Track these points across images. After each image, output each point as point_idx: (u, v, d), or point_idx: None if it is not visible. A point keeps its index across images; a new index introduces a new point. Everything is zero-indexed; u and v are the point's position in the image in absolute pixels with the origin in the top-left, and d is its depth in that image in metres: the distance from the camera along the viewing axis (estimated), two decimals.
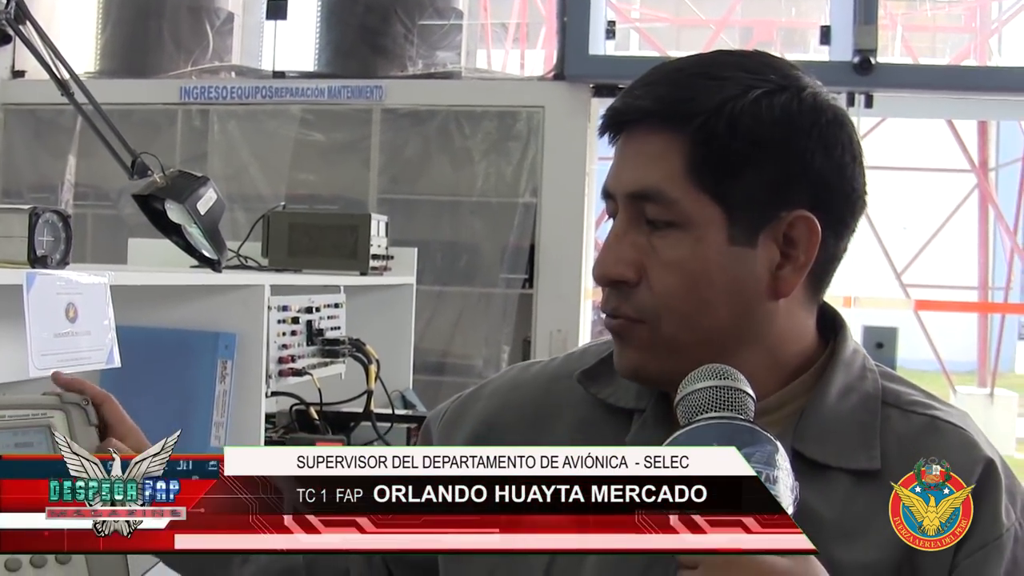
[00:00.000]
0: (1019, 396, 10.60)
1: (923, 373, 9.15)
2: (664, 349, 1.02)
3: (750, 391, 0.87)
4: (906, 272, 10.59)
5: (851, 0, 5.69)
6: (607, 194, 1.06)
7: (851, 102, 5.64)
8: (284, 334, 2.63)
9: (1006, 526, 0.97)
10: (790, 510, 0.77)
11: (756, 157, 0.99)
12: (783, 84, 1.01)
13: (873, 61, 5.58)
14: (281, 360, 2.59)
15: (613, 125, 1.05)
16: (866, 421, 1.02)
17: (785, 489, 0.79)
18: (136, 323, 2.17)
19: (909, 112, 6.78)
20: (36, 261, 1.73)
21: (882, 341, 6.52)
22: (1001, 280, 10.80)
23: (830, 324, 1.09)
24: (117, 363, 1.78)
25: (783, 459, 0.81)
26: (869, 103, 5.74)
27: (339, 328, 2.92)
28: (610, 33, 6.04)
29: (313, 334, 2.76)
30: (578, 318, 5.66)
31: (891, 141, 10.64)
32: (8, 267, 1.69)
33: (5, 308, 1.67)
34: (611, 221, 1.07)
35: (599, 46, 5.88)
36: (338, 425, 2.93)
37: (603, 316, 1.06)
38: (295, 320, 2.68)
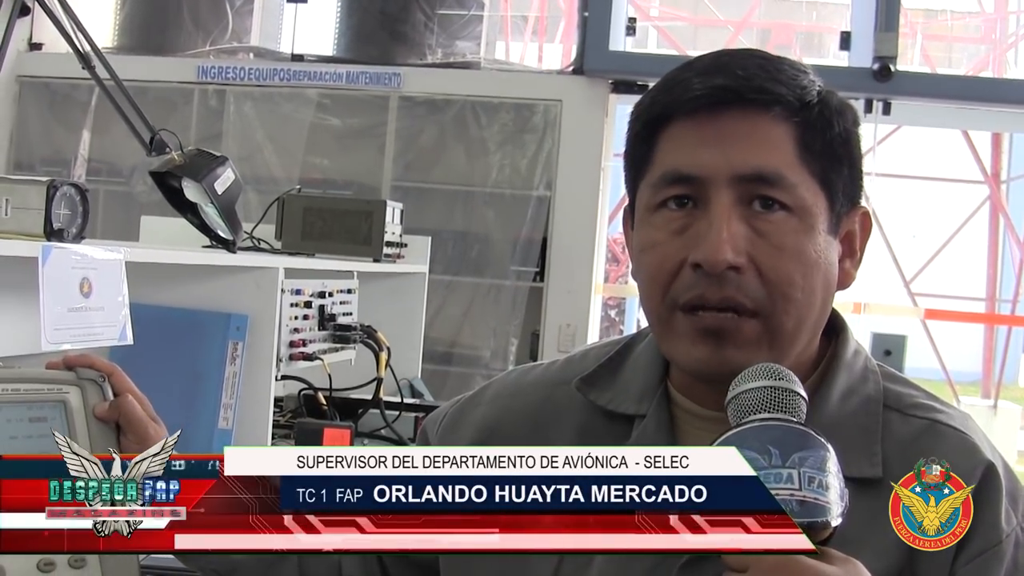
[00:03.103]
0: (1022, 409, 10.59)
1: (928, 382, 9.06)
2: (767, 344, 0.99)
3: (803, 393, 0.86)
4: (915, 281, 10.58)
5: (872, 7, 5.67)
6: (686, 178, 1.00)
7: (869, 108, 5.63)
8: (296, 318, 2.62)
9: (1006, 531, 0.96)
10: (836, 521, 0.77)
11: (847, 150, 1.02)
12: (829, 87, 1.05)
13: (892, 68, 5.56)
14: (292, 344, 2.58)
15: (709, 104, 1.00)
16: (867, 426, 1.01)
17: (836, 496, 0.78)
18: (148, 301, 2.17)
19: (925, 121, 6.76)
20: (52, 234, 1.73)
21: (890, 348, 6.51)
22: (1009, 292, 10.78)
23: (831, 324, 1.08)
24: (129, 340, 1.77)
25: (834, 464, 0.79)
26: (887, 110, 5.72)
27: (351, 314, 2.91)
28: (630, 30, 6.02)
29: (325, 319, 2.75)
30: (587, 313, 5.65)
31: (905, 149, 10.61)
32: (24, 239, 1.68)
33: (20, 280, 1.66)
34: (661, 212, 1.01)
35: (619, 42, 5.87)
36: (346, 411, 2.92)
37: (685, 312, 1.00)
38: (308, 304, 2.67)
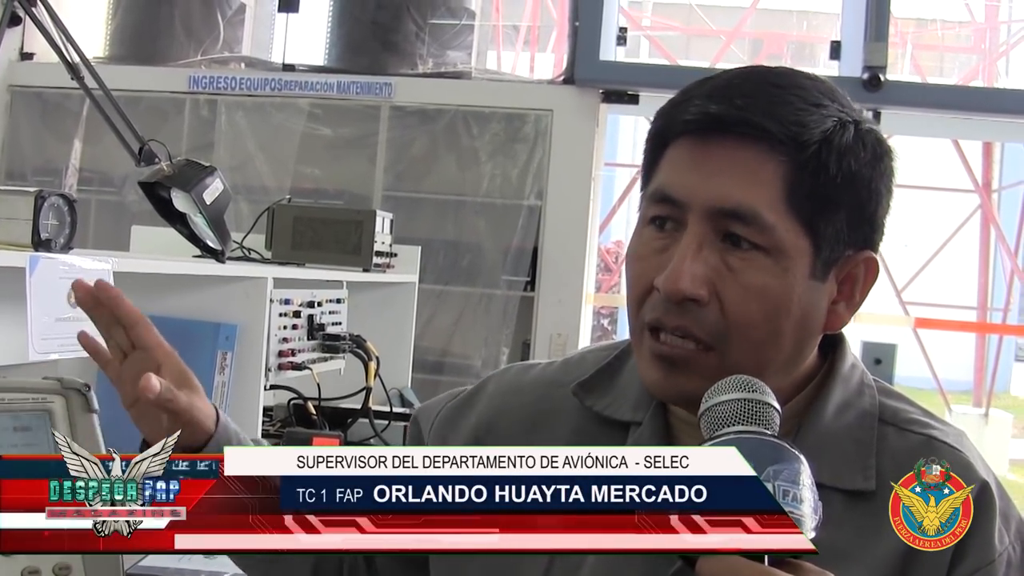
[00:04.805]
0: (1014, 417, 10.62)
1: (919, 391, 9.15)
2: (723, 376, 0.95)
3: (776, 405, 0.85)
4: (906, 290, 10.60)
5: (862, 17, 5.69)
6: (670, 199, 0.99)
7: None
8: (285, 327, 2.62)
9: (999, 551, 0.96)
10: (810, 535, 0.76)
11: (848, 194, 0.98)
12: (857, 119, 1.01)
13: (882, 78, 5.58)
14: (281, 353, 2.58)
15: (700, 130, 0.98)
16: (862, 439, 1.01)
17: (809, 510, 0.77)
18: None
19: (916, 130, 6.77)
20: (40, 244, 1.73)
21: (881, 357, 6.52)
22: (1000, 301, 10.81)
23: (828, 337, 1.06)
24: None
25: (808, 477, 0.79)
26: (877, 119, 5.74)
27: (340, 324, 2.91)
28: (621, 39, 6.03)
29: (314, 329, 2.75)
30: (578, 322, 5.65)
31: (896, 159, 10.64)
32: (12, 249, 1.68)
33: (7, 290, 1.66)
34: (649, 228, 1.01)
35: (610, 52, 5.88)
36: (335, 421, 2.92)
37: (650, 333, 1.00)
38: (296, 314, 2.67)
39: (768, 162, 0.96)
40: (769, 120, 0.96)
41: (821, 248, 0.98)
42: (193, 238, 2.49)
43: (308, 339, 2.73)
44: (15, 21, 2.36)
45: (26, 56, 6.17)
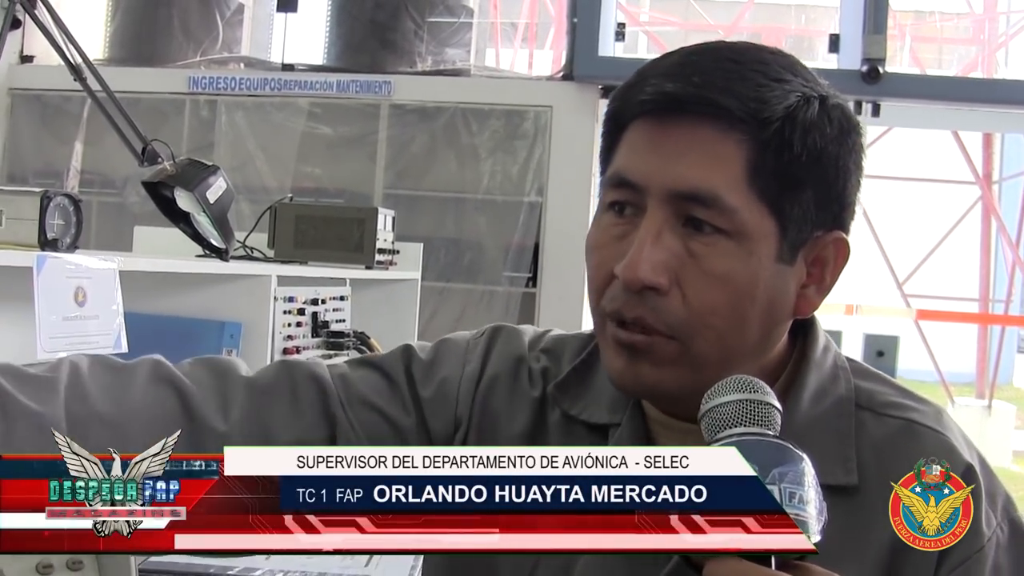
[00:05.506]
0: (1017, 408, 10.61)
1: (922, 383, 9.15)
2: (688, 366, 0.94)
3: (777, 404, 0.82)
4: (908, 282, 10.60)
5: (861, 9, 5.70)
6: (628, 183, 0.95)
7: (858, 110, 5.64)
8: (289, 325, 2.63)
9: (987, 535, 0.94)
10: (816, 537, 0.74)
11: (814, 172, 0.93)
12: (823, 93, 0.95)
13: (881, 70, 5.59)
14: (286, 351, 2.60)
15: (657, 111, 0.93)
16: (840, 429, 0.98)
17: (815, 511, 0.75)
18: (142, 310, 2.18)
19: (915, 122, 6.78)
20: (46, 244, 1.74)
21: (883, 349, 6.52)
22: (1002, 293, 10.82)
23: (798, 321, 1.02)
24: (124, 348, 1.78)
25: (812, 477, 0.77)
26: (876, 112, 5.74)
27: (344, 321, 2.92)
28: (619, 35, 6.04)
29: (318, 326, 2.76)
30: (580, 318, 5.66)
31: (896, 151, 10.64)
32: (18, 249, 1.69)
33: (15, 290, 1.67)
34: (608, 214, 0.97)
35: (608, 47, 5.89)
36: None
37: (612, 323, 0.96)
38: (300, 311, 2.69)
39: (728, 141, 0.91)
40: (728, 97, 0.91)
41: (787, 230, 0.94)
42: (197, 237, 2.50)
43: (312, 336, 2.74)
44: (15, 24, 2.37)
45: (26, 59, 6.18)
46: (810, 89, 0.94)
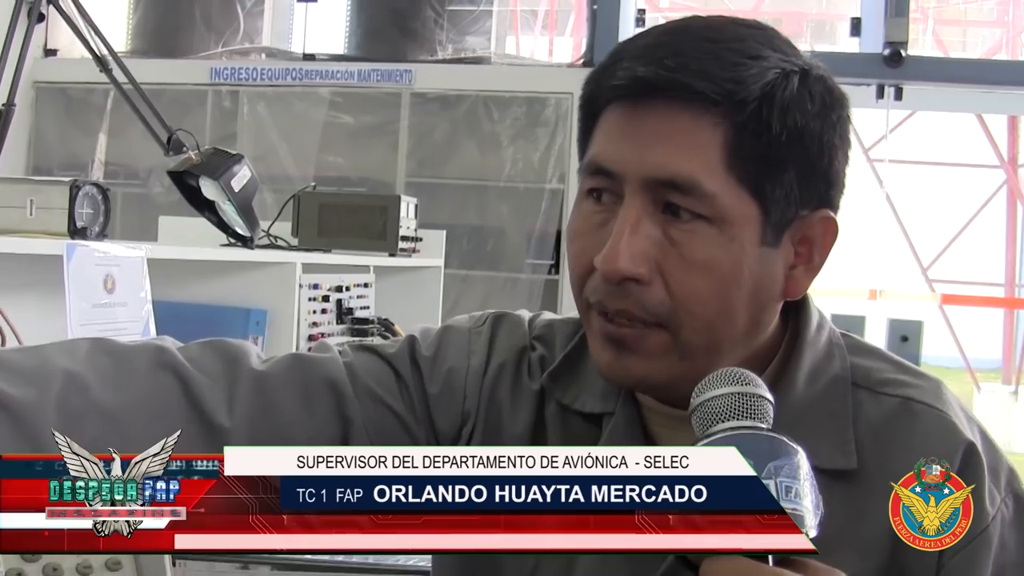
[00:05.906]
0: None
1: (947, 370, 9.10)
2: (677, 356, 0.92)
3: (769, 395, 0.80)
4: (932, 267, 10.53)
5: None
6: (604, 171, 0.92)
7: (880, 94, 5.61)
8: (314, 312, 2.65)
9: (991, 514, 0.92)
10: (813, 532, 0.73)
11: (796, 151, 0.90)
12: (803, 67, 0.92)
13: (903, 54, 5.55)
14: (311, 337, 2.61)
15: (630, 95, 0.90)
16: (837, 411, 0.96)
17: (811, 505, 0.74)
18: (169, 298, 2.20)
19: (939, 105, 6.73)
20: (76, 232, 1.76)
21: (907, 334, 6.47)
22: None
23: (791, 301, 0.99)
24: (153, 335, 1.80)
25: (807, 470, 0.75)
26: (899, 96, 5.71)
27: (368, 308, 2.94)
28: (640, 21, 6.02)
29: (343, 313, 2.78)
30: None
31: (920, 135, 10.57)
32: (49, 238, 1.72)
33: (45, 278, 1.69)
34: (587, 202, 0.94)
35: (628, 34, 5.84)
36: None
37: (596, 315, 0.93)
38: (325, 298, 2.70)
39: (704, 125, 0.89)
40: (701, 80, 0.88)
41: (770, 212, 0.91)
42: (222, 225, 2.53)
43: (337, 323, 2.76)
44: (39, 18, 2.39)
45: (50, 52, 6.21)
46: (790, 64, 0.91)
